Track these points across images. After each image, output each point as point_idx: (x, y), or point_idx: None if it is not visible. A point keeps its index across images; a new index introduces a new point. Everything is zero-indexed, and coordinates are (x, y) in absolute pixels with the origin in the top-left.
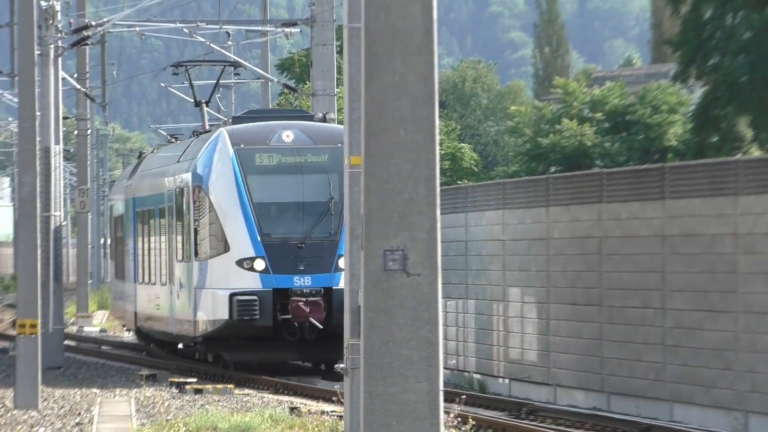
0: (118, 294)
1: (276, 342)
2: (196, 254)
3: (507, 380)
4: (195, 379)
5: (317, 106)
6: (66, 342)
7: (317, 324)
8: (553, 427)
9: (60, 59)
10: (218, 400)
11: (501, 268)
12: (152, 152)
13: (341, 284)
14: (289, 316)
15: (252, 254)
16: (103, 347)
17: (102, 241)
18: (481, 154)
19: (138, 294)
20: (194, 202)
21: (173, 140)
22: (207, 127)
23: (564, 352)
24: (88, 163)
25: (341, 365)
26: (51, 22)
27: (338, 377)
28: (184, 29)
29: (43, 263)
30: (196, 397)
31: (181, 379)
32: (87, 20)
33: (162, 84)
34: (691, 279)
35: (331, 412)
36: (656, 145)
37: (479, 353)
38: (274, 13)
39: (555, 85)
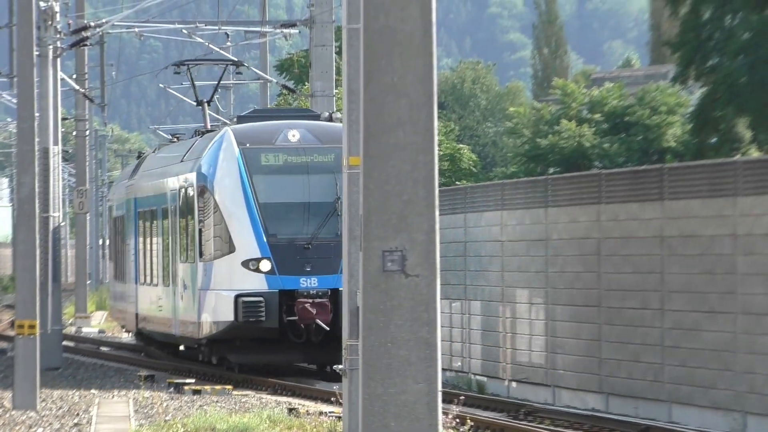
0: (117, 295)
1: (282, 344)
2: (201, 255)
3: (506, 382)
4: (193, 380)
5: (316, 107)
6: (64, 343)
7: (324, 326)
8: (552, 428)
9: (59, 60)
10: (216, 401)
11: (500, 269)
12: (154, 152)
13: None
14: (295, 318)
15: (258, 255)
16: (102, 348)
17: (100, 241)
18: (480, 155)
19: (139, 295)
20: (199, 202)
21: (175, 140)
22: (209, 127)
23: (563, 353)
24: (87, 163)
25: (340, 366)
26: (50, 22)
27: (337, 378)
28: (183, 30)
29: (41, 264)
30: (195, 397)
31: (180, 380)
32: (86, 21)
33: (161, 85)
34: (690, 280)
35: (330, 412)
36: (655, 146)
37: (479, 354)
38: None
39: (554, 86)
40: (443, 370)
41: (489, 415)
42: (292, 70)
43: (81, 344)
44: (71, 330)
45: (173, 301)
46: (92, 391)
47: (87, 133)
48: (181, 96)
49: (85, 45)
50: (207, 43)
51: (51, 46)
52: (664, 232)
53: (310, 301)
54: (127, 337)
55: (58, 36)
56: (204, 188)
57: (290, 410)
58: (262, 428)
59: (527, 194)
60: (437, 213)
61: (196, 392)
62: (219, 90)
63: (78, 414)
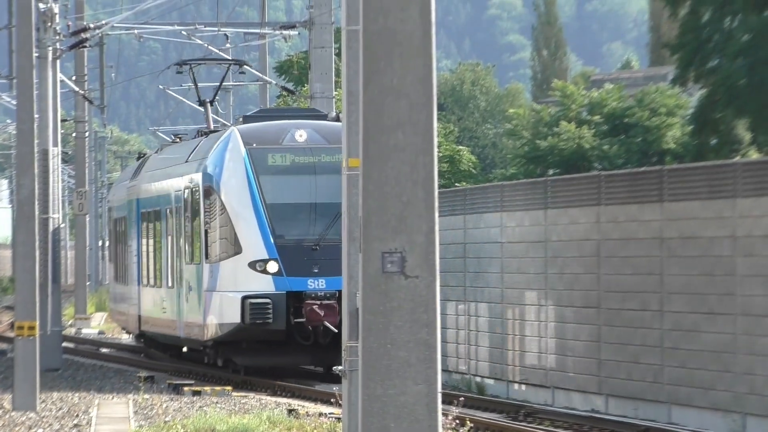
0: (118, 297)
1: (289, 346)
2: (207, 256)
3: (508, 383)
4: (193, 381)
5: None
6: (64, 344)
7: (332, 328)
8: (551, 429)
9: (58, 62)
10: (216, 402)
11: (499, 271)
12: (156, 153)
13: None
14: (302, 320)
15: (265, 256)
16: (102, 349)
17: (100, 243)
18: (480, 156)
19: (142, 297)
20: (205, 203)
21: (178, 140)
22: (212, 127)
23: (562, 354)
24: (87, 165)
25: (339, 367)
26: (49, 24)
27: (336, 379)
28: (183, 31)
29: (41, 265)
30: (194, 398)
31: (180, 381)
32: (85, 23)
33: (161, 86)
34: (690, 281)
35: (329, 414)
36: (654, 148)
37: (481, 356)
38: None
39: (553, 87)
40: (447, 371)
41: (489, 416)
42: (292, 72)
43: (81, 345)
44: (71, 331)
45: (178, 302)
46: (92, 392)
47: (86, 134)
48: (181, 98)
49: (85, 46)
50: (206, 45)
51: (50, 48)
52: (664, 233)
53: (318, 302)
54: (126, 339)
55: (57, 38)
56: (210, 189)
57: (290, 411)
58: (262, 429)
59: (527, 196)
60: (437, 214)
61: (196, 393)
62: (220, 91)
63: (78, 415)
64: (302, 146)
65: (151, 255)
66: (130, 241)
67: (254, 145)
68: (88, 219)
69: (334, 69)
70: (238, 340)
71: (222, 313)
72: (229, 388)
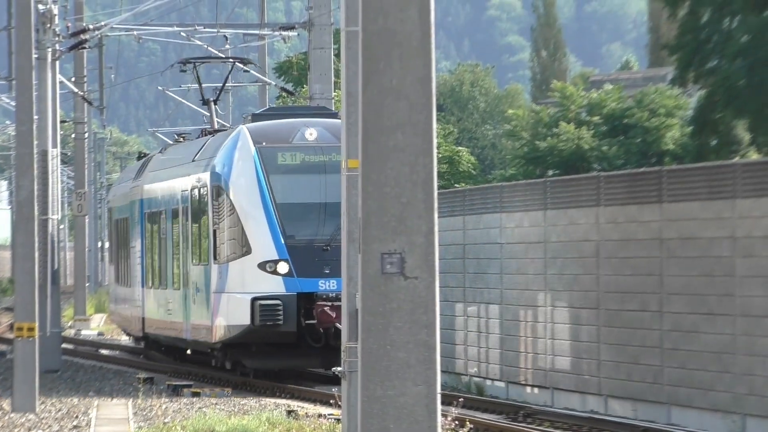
0: (120, 299)
1: (300, 348)
2: (215, 257)
3: (504, 383)
4: (192, 383)
5: None
6: (63, 345)
7: None
8: (551, 430)
9: (57, 63)
10: (216, 403)
11: (498, 272)
12: (160, 152)
13: None
14: (313, 322)
15: (275, 257)
16: (101, 350)
17: (99, 244)
18: (479, 157)
19: (146, 299)
20: (213, 203)
21: (181, 140)
22: (216, 126)
23: (561, 355)
24: (86, 166)
25: (339, 368)
26: (49, 25)
27: (336, 381)
28: (182, 33)
29: (40, 266)
30: (194, 400)
31: (179, 383)
32: (85, 24)
33: (160, 87)
34: (689, 282)
35: (329, 415)
36: (654, 149)
37: (478, 357)
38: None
39: (552, 88)
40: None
41: (488, 417)
42: (291, 73)
43: (80, 347)
44: (70, 332)
45: (184, 304)
46: (91, 393)
47: (86, 135)
48: (180, 99)
49: (84, 48)
50: (206, 46)
51: (50, 49)
52: (663, 234)
53: (330, 304)
54: (126, 340)
55: (56, 39)
56: (219, 188)
57: (289, 412)
58: (261, 430)
59: (526, 197)
60: (436, 215)
61: (195, 394)
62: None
63: (77, 416)
64: (312, 145)
65: (156, 256)
66: (133, 242)
67: (264, 143)
68: (87, 220)
69: (333, 70)
70: (247, 342)
71: (231, 314)
72: (228, 389)
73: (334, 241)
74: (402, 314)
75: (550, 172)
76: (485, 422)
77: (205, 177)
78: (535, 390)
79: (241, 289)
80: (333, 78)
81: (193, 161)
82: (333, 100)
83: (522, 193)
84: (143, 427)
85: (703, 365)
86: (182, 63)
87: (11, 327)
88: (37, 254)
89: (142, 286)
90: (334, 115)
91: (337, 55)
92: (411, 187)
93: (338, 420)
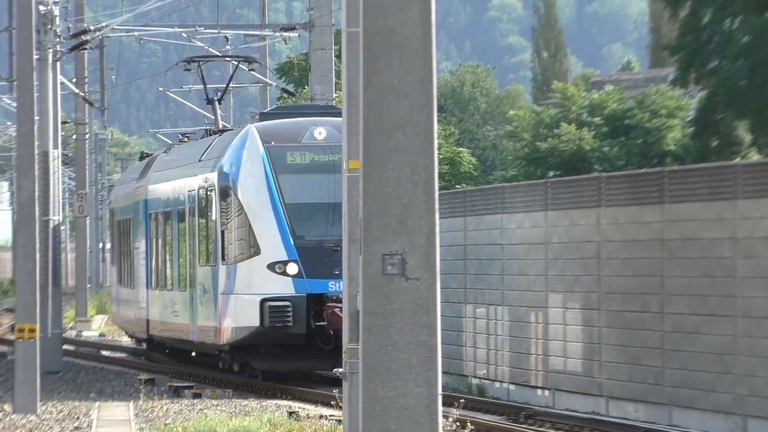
0: (122, 300)
1: (309, 350)
2: (223, 257)
3: (506, 384)
4: (193, 384)
5: None
6: (65, 346)
7: None
8: (552, 431)
9: (58, 64)
10: (217, 405)
11: (499, 273)
12: (165, 152)
13: None
14: (323, 323)
15: (284, 257)
16: (102, 351)
17: (100, 245)
18: (480, 158)
19: (151, 301)
20: (221, 203)
21: (186, 140)
22: (221, 126)
23: (562, 356)
24: (87, 167)
25: (340, 369)
26: (50, 26)
27: (337, 382)
28: (183, 34)
29: (41, 268)
30: (195, 401)
31: (180, 384)
32: (86, 25)
33: (161, 88)
34: (690, 283)
35: (330, 416)
36: (655, 150)
37: (479, 358)
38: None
39: (553, 89)
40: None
41: (489, 418)
42: (292, 74)
43: (81, 348)
44: (71, 334)
45: (191, 306)
46: (92, 394)
47: (87, 136)
48: (182, 99)
49: (85, 49)
50: (207, 47)
51: (51, 50)
52: (664, 235)
53: (340, 305)
54: (127, 341)
55: (57, 40)
56: (227, 188)
57: (290, 413)
58: None
59: (527, 197)
60: (437, 216)
61: (197, 396)
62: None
63: (78, 417)
64: (322, 144)
65: (161, 257)
66: (137, 242)
67: (272, 143)
68: (88, 221)
69: (334, 71)
70: (256, 344)
71: (240, 316)
72: (229, 390)
73: None
74: (403, 315)
75: (551, 173)
76: (486, 423)
77: (213, 177)
78: (537, 391)
79: (249, 290)
80: (334, 79)
81: (199, 161)
82: (334, 101)
83: (523, 194)
84: (144, 428)
85: (705, 366)
86: (187, 62)
87: (12, 328)
88: (38, 255)
89: (147, 288)
90: None
91: (338, 56)
92: (412, 188)
93: (339, 421)
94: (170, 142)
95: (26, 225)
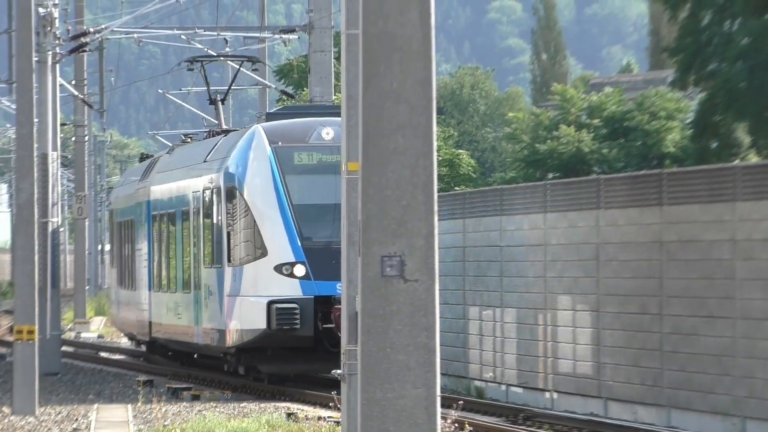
0: (123, 302)
1: (316, 353)
2: (229, 259)
3: (504, 386)
4: (192, 385)
5: None
6: (63, 348)
7: None
8: None
9: (58, 66)
10: (215, 406)
11: (498, 275)
12: (168, 153)
13: None
14: (331, 326)
15: (292, 259)
16: (101, 353)
17: (99, 247)
18: (479, 160)
19: (153, 302)
20: (227, 204)
21: (189, 140)
22: (224, 126)
23: (561, 357)
24: (86, 169)
25: (338, 371)
26: (49, 28)
27: (335, 384)
28: (182, 36)
29: (40, 269)
30: (193, 402)
31: (179, 385)
32: (85, 27)
33: (160, 90)
34: (689, 285)
35: (328, 417)
36: (654, 152)
37: (478, 360)
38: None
39: (553, 91)
40: (452, 376)
41: (488, 419)
42: (292, 76)
43: (80, 349)
44: (70, 335)
45: (195, 308)
46: (91, 396)
47: (86, 138)
48: (180, 102)
49: (84, 51)
50: (206, 49)
51: (50, 52)
52: (663, 237)
53: None
54: (126, 343)
55: (57, 42)
56: (233, 189)
57: (289, 415)
58: None
59: (526, 199)
60: (436, 218)
61: (195, 397)
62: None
63: (77, 419)
64: (329, 144)
65: (164, 258)
66: (139, 244)
67: (279, 143)
68: (87, 223)
69: (333, 73)
70: (263, 347)
71: (246, 318)
72: (228, 392)
73: None
74: (402, 317)
75: (551, 175)
76: (485, 425)
77: (219, 178)
78: (536, 392)
79: (256, 292)
80: (333, 81)
81: (204, 162)
82: (333, 104)
83: (522, 196)
84: (143, 429)
85: (703, 368)
86: (189, 61)
87: (11, 330)
88: (36, 257)
89: (149, 289)
90: None
91: (338, 58)
92: (411, 190)
93: (338, 423)
94: (170, 144)
95: (25, 227)
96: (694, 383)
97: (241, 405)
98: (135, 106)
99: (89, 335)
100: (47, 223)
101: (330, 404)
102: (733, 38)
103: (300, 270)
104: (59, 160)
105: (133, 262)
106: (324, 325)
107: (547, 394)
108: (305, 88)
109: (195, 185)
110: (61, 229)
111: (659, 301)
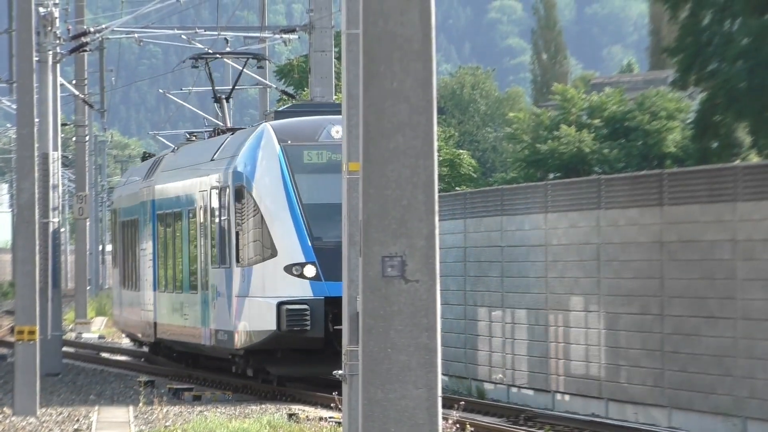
0: (126, 303)
1: (326, 354)
2: (238, 259)
3: (505, 386)
4: (193, 386)
5: None
6: (64, 348)
7: None
8: None
9: (58, 66)
10: (216, 407)
11: (499, 275)
12: (172, 152)
13: None
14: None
15: (302, 259)
16: (102, 354)
17: (100, 247)
18: (480, 160)
19: (158, 303)
20: (235, 203)
21: (193, 139)
22: (228, 125)
23: (562, 358)
24: (87, 169)
25: (339, 371)
26: (49, 28)
27: (336, 384)
28: (183, 36)
29: (41, 270)
30: (195, 403)
31: (180, 386)
32: (85, 27)
33: (161, 90)
34: (690, 285)
35: (330, 418)
36: (655, 152)
37: (479, 360)
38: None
39: (553, 91)
40: (453, 376)
41: (489, 420)
42: (292, 76)
43: (81, 350)
44: (71, 336)
45: (203, 309)
46: (92, 396)
47: (86, 138)
48: (181, 101)
49: (85, 51)
50: (207, 48)
51: (50, 52)
52: (664, 237)
53: None
54: (127, 343)
55: (57, 42)
56: (242, 188)
57: (290, 416)
58: None
59: (526, 200)
60: (437, 218)
61: (196, 398)
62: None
63: (78, 420)
64: (339, 143)
65: (170, 258)
66: (143, 243)
67: (289, 141)
68: (88, 223)
69: (334, 73)
70: (272, 348)
71: (255, 319)
72: (229, 392)
73: None
74: (403, 317)
75: (551, 175)
76: (486, 425)
77: (227, 176)
78: (536, 393)
79: (265, 293)
80: (334, 81)
81: (212, 160)
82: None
83: (523, 196)
84: (144, 430)
85: (704, 368)
86: (194, 59)
87: (12, 330)
88: (37, 257)
89: (154, 290)
90: None
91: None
92: (412, 190)
93: (339, 423)
94: (170, 144)
95: (26, 227)
96: (695, 383)
97: (243, 406)
98: (135, 106)
99: (90, 336)
100: (48, 224)
101: (331, 405)
102: (733, 38)
103: (310, 270)
104: (60, 160)
105: (136, 262)
106: (335, 327)
107: (549, 395)
108: (306, 88)
109: (202, 184)
110: (62, 230)
111: (660, 302)
